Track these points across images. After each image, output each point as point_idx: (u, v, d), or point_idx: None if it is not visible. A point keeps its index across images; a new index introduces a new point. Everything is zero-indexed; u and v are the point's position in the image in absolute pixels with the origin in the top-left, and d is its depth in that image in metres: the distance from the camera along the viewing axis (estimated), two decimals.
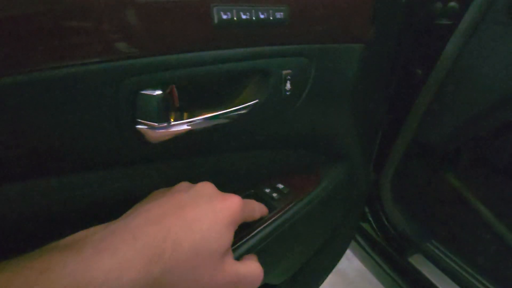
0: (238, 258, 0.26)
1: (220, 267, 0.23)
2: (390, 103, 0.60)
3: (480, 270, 0.61)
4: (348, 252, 0.84)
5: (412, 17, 0.53)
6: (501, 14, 0.47)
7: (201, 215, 0.23)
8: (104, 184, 0.26)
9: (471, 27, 0.49)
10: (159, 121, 0.23)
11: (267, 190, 0.37)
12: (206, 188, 0.26)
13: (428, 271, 0.63)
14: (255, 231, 0.30)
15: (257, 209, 0.30)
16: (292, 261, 0.41)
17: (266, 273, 0.29)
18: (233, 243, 0.27)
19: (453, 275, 0.61)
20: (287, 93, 0.30)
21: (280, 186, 0.38)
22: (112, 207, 0.26)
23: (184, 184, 0.27)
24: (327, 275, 0.58)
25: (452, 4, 0.51)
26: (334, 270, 0.65)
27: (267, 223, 0.32)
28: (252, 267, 0.26)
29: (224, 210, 0.24)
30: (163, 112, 0.23)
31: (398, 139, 0.62)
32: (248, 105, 0.28)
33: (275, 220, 0.33)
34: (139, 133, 0.24)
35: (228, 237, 0.23)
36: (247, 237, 0.29)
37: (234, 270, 0.24)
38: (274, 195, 0.36)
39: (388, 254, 0.71)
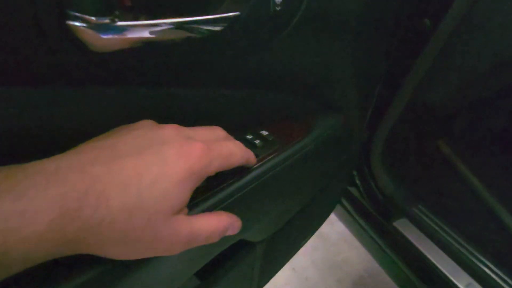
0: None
1: (167, 227, 0.19)
2: (393, 57, 0.54)
3: (465, 237, 0.60)
4: (332, 216, 0.83)
5: None
6: None
7: (143, 168, 0.18)
8: (36, 109, 0.20)
9: None
10: (97, 13, 0.16)
11: (249, 137, 0.32)
12: (167, 132, 0.21)
13: (413, 235, 0.62)
14: (227, 182, 0.26)
15: (238, 153, 0.24)
16: (273, 218, 0.37)
17: (242, 230, 0.25)
18: (197, 199, 0.23)
19: (437, 241, 0.60)
20: (277, 8, 0.24)
21: (265, 133, 0.33)
22: (46, 142, 0.21)
23: (145, 123, 0.21)
24: (310, 237, 0.55)
25: None
26: (316, 233, 0.63)
27: (244, 172, 0.27)
28: (209, 221, 0.22)
29: (177, 160, 0.19)
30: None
31: (395, 100, 0.57)
32: (226, 16, 0.22)
33: (254, 169, 0.28)
34: (74, 35, 0.17)
35: (180, 194, 0.19)
36: (214, 191, 0.25)
37: (186, 229, 0.20)
38: (257, 142, 0.31)
39: (373, 218, 0.69)
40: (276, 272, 0.50)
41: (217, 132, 0.25)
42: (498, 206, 0.70)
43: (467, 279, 0.55)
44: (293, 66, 0.31)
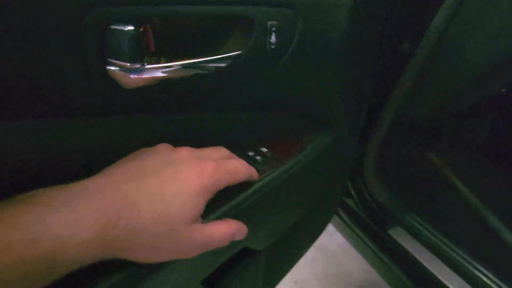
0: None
1: (185, 234, 0.22)
2: (377, 77, 0.59)
3: (456, 242, 0.63)
4: (331, 227, 0.86)
5: None
6: None
7: (165, 184, 0.22)
8: (73, 135, 0.24)
9: None
10: (131, 60, 0.21)
11: (251, 153, 0.36)
12: (181, 153, 0.25)
13: (407, 243, 0.65)
14: (233, 195, 0.30)
15: (243, 170, 0.28)
16: (274, 226, 0.41)
17: (247, 237, 0.28)
18: (210, 209, 0.27)
19: (430, 247, 0.63)
20: (272, 46, 0.29)
21: (264, 149, 0.37)
22: (83, 164, 0.25)
23: (162, 147, 0.26)
24: (310, 245, 0.58)
25: None
26: (316, 245, 0.66)
27: (248, 185, 0.31)
28: (220, 228, 0.25)
29: (193, 178, 0.23)
30: (136, 50, 0.21)
31: (383, 114, 0.62)
32: (230, 55, 0.27)
33: (257, 182, 0.32)
34: (110, 76, 0.22)
35: (196, 205, 0.23)
36: (223, 201, 0.28)
37: (202, 234, 0.23)
38: (258, 158, 0.35)
39: (369, 227, 0.72)
40: (280, 280, 0.52)
41: (222, 151, 0.29)
42: (487, 212, 0.73)
43: (460, 282, 0.58)
44: (287, 91, 0.36)
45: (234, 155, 0.30)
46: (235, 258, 0.39)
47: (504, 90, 0.62)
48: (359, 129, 0.64)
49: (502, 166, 0.87)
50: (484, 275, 0.57)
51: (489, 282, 0.56)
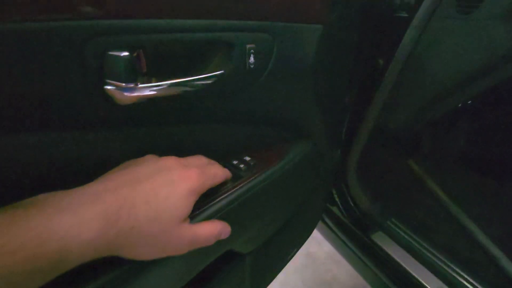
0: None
1: (176, 232, 0.25)
2: (356, 90, 0.64)
3: (435, 245, 0.67)
4: (319, 236, 0.89)
5: (374, 8, 0.57)
6: (450, 8, 0.52)
7: (158, 188, 0.25)
8: (73, 145, 0.27)
9: (424, 20, 0.53)
10: (126, 81, 0.24)
11: (235, 162, 0.39)
12: (168, 162, 0.28)
13: (389, 247, 0.68)
14: (218, 198, 0.33)
15: (219, 174, 0.32)
16: (259, 230, 0.44)
17: (232, 238, 0.31)
18: (196, 210, 0.30)
19: (410, 250, 0.67)
20: (251, 66, 0.32)
21: (248, 158, 0.40)
22: (80, 171, 0.28)
23: (150, 157, 0.29)
24: (296, 250, 0.61)
25: None
26: (305, 253, 0.68)
27: (231, 190, 0.34)
28: (206, 227, 0.28)
29: (181, 182, 0.26)
30: (130, 72, 0.24)
31: (363, 125, 0.66)
32: (214, 74, 0.30)
33: (240, 187, 0.35)
34: (107, 94, 0.25)
35: (185, 206, 0.26)
36: (209, 205, 0.32)
37: (191, 233, 0.26)
38: (241, 166, 0.38)
39: (353, 233, 0.75)
40: (267, 285, 0.54)
41: (202, 159, 0.33)
42: (463, 217, 0.77)
43: (438, 283, 0.61)
44: (267, 105, 0.40)
45: (212, 161, 0.33)
46: (221, 261, 0.42)
47: (470, 102, 0.67)
48: (341, 139, 0.68)
49: (478, 173, 0.92)
50: (460, 276, 0.61)
51: (465, 282, 0.60)
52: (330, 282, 0.94)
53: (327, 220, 0.83)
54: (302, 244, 0.64)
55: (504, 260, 0.65)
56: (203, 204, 0.31)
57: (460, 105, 0.64)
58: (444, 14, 0.52)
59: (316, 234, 0.88)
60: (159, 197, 0.24)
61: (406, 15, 0.56)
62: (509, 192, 0.86)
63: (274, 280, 0.55)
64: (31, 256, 0.18)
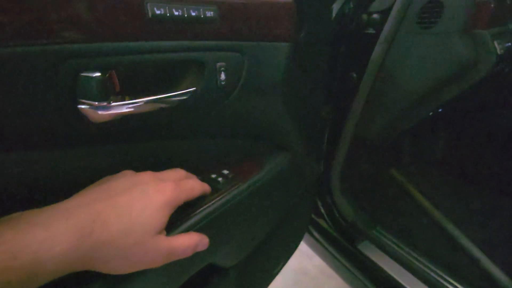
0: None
1: (151, 244, 0.25)
2: (334, 103, 0.67)
3: (419, 251, 0.68)
4: (309, 250, 0.89)
5: (344, 26, 0.61)
6: (412, 24, 0.56)
7: (132, 201, 0.25)
8: (50, 164, 0.28)
9: (390, 35, 0.57)
10: (99, 100, 0.26)
11: (213, 176, 0.40)
12: (144, 177, 0.29)
13: (375, 255, 0.69)
14: (196, 211, 0.33)
15: (197, 187, 0.32)
16: (240, 243, 0.44)
17: (211, 251, 0.32)
18: (174, 223, 0.30)
19: (396, 257, 0.67)
20: (222, 83, 0.34)
21: (226, 171, 0.41)
22: (56, 189, 0.28)
23: (126, 172, 0.29)
24: (283, 264, 0.61)
25: (374, 15, 0.60)
26: (296, 268, 0.68)
27: (209, 203, 0.35)
28: (183, 239, 0.28)
29: (155, 194, 0.27)
30: (103, 92, 0.26)
31: (342, 136, 0.69)
32: (187, 91, 0.32)
33: (218, 200, 0.36)
34: (81, 113, 0.26)
35: (160, 218, 0.26)
36: (187, 217, 0.32)
37: (167, 244, 0.27)
38: (220, 179, 0.39)
39: (341, 245, 0.76)
40: None
41: (180, 173, 0.33)
42: (446, 222, 0.79)
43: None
44: (242, 119, 0.41)
45: (190, 175, 0.34)
46: (205, 276, 0.41)
47: (440, 110, 0.71)
48: (323, 151, 0.70)
49: (456, 177, 0.95)
50: (444, 279, 0.61)
51: (449, 286, 0.61)
52: None
53: (314, 233, 0.83)
54: (289, 257, 0.64)
55: (485, 262, 0.66)
56: (180, 217, 0.32)
57: (431, 113, 0.67)
58: (408, 29, 0.56)
59: (306, 249, 0.88)
60: (133, 210, 0.25)
61: (373, 31, 0.60)
62: (488, 194, 0.89)
63: None
64: (3, 269, 0.18)
